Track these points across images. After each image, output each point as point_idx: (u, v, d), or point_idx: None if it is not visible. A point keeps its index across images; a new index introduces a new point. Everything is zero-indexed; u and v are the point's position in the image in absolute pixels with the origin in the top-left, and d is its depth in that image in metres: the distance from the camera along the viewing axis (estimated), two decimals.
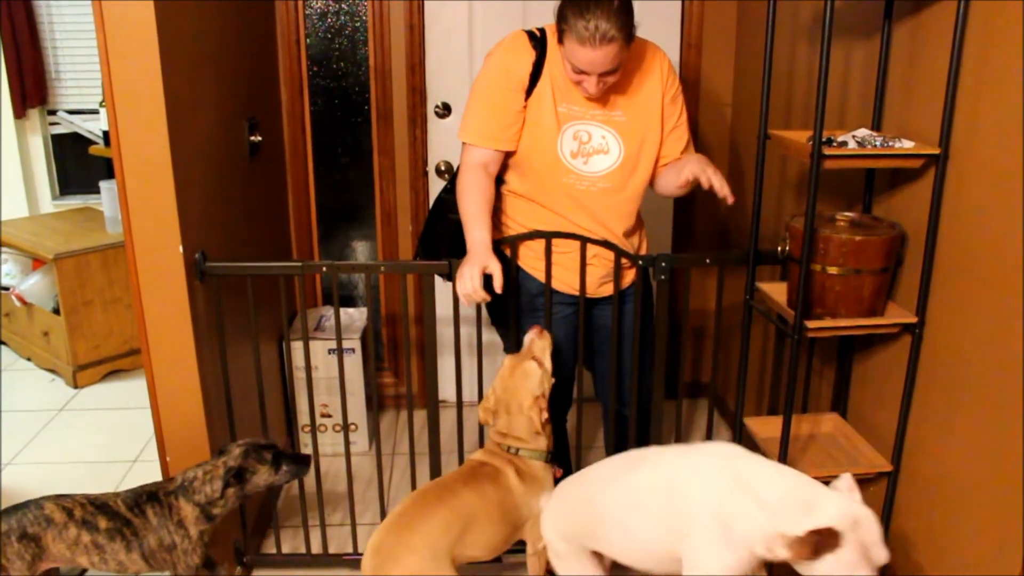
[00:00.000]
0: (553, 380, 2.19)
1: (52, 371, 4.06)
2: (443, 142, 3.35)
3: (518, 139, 2.20)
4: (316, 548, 2.61)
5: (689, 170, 2.13)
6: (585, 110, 2.17)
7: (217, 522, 2.17)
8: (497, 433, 2.20)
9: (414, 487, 2.60)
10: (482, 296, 2.13)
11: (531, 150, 2.20)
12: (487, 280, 2.13)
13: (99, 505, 2.06)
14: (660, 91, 2.21)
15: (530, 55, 2.15)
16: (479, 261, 2.13)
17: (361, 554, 2.58)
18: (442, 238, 2.42)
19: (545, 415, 2.15)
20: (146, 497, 2.10)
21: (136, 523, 2.06)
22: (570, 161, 2.20)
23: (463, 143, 2.23)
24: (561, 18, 1.99)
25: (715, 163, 3.36)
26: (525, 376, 2.15)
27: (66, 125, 4.78)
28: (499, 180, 2.31)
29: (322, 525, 2.57)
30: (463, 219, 2.19)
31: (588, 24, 1.91)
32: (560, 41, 2.03)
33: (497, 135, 2.19)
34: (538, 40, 2.16)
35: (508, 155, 2.24)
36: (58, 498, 2.05)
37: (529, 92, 2.16)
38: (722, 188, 2.10)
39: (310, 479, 2.55)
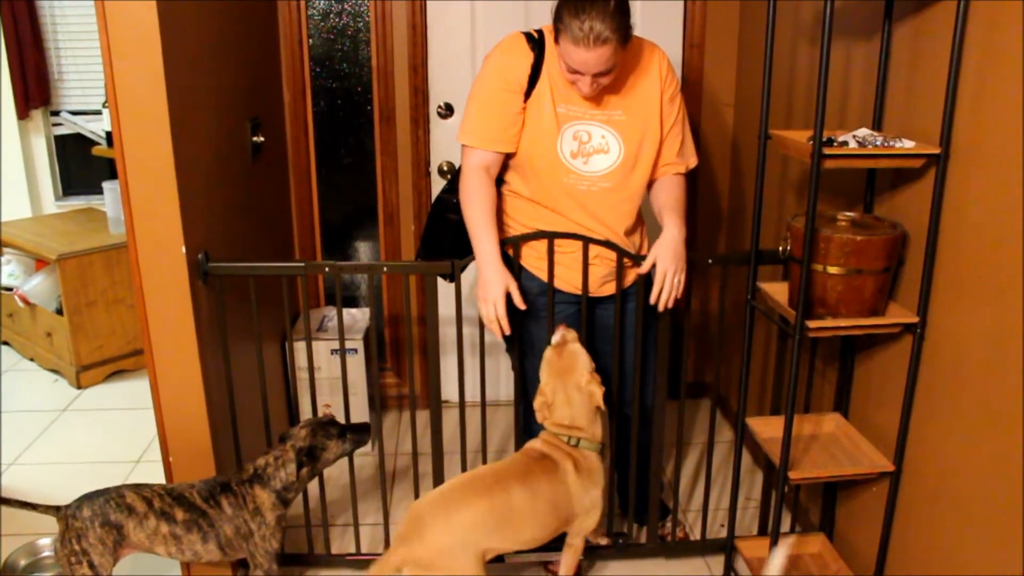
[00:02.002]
0: (593, 365, 2.19)
1: (55, 371, 4.07)
2: (445, 143, 3.35)
3: (518, 140, 2.20)
4: (319, 548, 2.62)
5: (654, 261, 2.18)
6: (584, 110, 2.18)
7: (289, 506, 2.23)
8: (557, 426, 2.17)
9: (416, 488, 2.61)
10: (507, 327, 2.15)
11: (531, 151, 2.20)
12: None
13: (176, 496, 2.11)
14: (659, 90, 2.21)
15: (528, 57, 2.15)
16: (499, 282, 2.14)
17: (363, 554, 2.62)
18: (443, 238, 2.42)
19: (603, 388, 2.14)
20: (220, 488, 2.15)
21: (211, 514, 2.11)
22: (570, 161, 2.20)
23: (463, 146, 2.23)
24: (557, 17, 1.99)
25: (717, 163, 3.40)
26: (574, 356, 2.15)
27: (69, 126, 4.79)
28: (500, 180, 2.31)
29: (324, 525, 2.58)
30: (470, 228, 2.20)
31: (583, 25, 1.91)
32: (556, 40, 2.03)
33: (497, 137, 2.19)
34: (536, 41, 2.16)
35: (508, 156, 2.25)
36: (136, 487, 2.11)
37: (528, 94, 2.16)
38: (666, 300, 2.19)
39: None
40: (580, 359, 2.15)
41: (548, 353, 2.19)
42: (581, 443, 2.16)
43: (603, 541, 2.45)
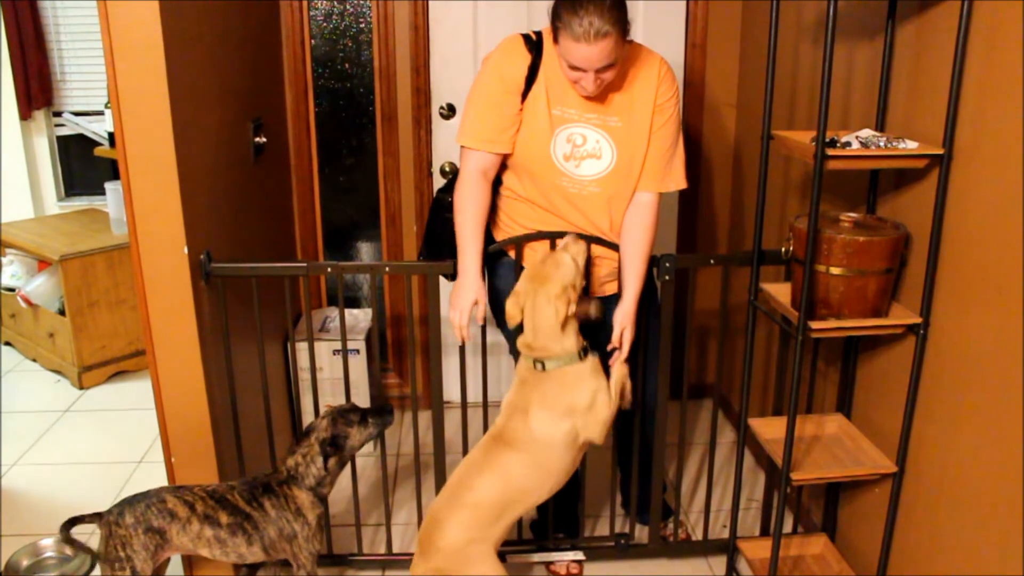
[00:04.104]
0: (584, 283, 2.11)
1: (57, 372, 4.07)
2: (447, 143, 3.35)
3: (515, 141, 2.21)
4: (321, 548, 2.61)
5: (622, 331, 2.24)
6: (580, 113, 2.17)
7: (326, 503, 2.23)
8: (525, 346, 2.10)
9: (418, 488, 2.61)
10: (468, 337, 2.22)
11: (525, 152, 2.20)
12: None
13: (218, 499, 2.10)
14: (652, 97, 2.19)
15: (525, 58, 2.15)
16: (471, 292, 2.19)
17: (366, 554, 2.63)
18: (443, 237, 2.42)
19: (573, 308, 2.04)
20: (261, 489, 2.14)
21: (256, 516, 2.11)
22: (563, 164, 2.20)
23: (461, 147, 2.23)
24: (555, 16, 1.98)
25: (719, 164, 3.40)
26: (557, 265, 2.05)
27: (71, 126, 4.80)
28: (498, 181, 2.31)
29: (327, 526, 2.57)
30: (457, 235, 2.22)
31: (582, 21, 1.91)
32: (555, 40, 2.02)
33: (495, 138, 2.19)
34: (534, 43, 2.16)
35: (506, 157, 2.25)
36: (177, 491, 2.10)
37: (525, 95, 2.16)
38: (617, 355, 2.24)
39: None
40: (560, 270, 2.04)
41: (538, 254, 2.09)
42: (548, 364, 2.06)
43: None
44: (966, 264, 1.84)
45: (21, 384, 4.01)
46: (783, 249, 2.15)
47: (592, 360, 2.11)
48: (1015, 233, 1.65)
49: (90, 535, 2.72)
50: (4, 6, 4.40)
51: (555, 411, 2.07)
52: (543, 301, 2.04)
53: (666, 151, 2.22)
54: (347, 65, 3.36)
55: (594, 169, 2.20)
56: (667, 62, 2.21)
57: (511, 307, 2.12)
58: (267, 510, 2.12)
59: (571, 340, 2.08)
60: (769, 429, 2.33)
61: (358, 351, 3.17)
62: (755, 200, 2.23)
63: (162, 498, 2.06)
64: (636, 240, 2.25)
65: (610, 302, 2.39)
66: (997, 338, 1.73)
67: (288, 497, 2.14)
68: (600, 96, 2.14)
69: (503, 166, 2.28)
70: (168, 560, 2.20)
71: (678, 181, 2.27)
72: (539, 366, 2.08)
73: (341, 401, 3.11)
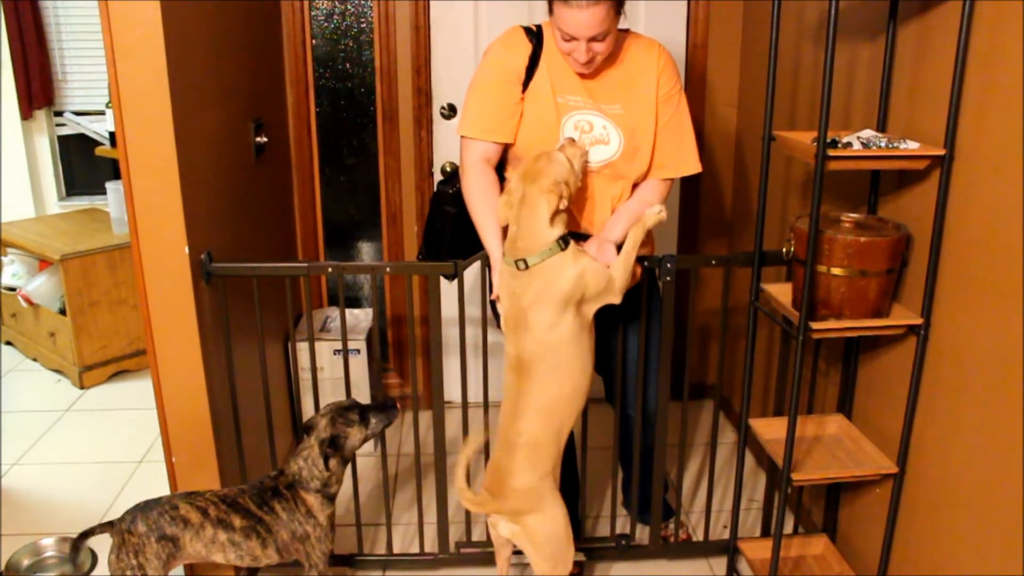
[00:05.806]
0: (580, 185, 2.06)
1: (58, 371, 4.07)
2: (448, 143, 3.35)
3: (516, 132, 2.20)
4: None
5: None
6: (583, 99, 2.17)
7: (335, 501, 2.23)
8: (509, 248, 2.04)
9: (419, 488, 2.61)
10: None
11: (531, 141, 2.19)
12: None
13: (230, 503, 2.09)
14: (655, 87, 2.19)
15: (526, 48, 2.16)
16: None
17: (368, 555, 2.62)
18: (441, 233, 2.41)
19: (565, 203, 1.98)
20: (270, 493, 2.14)
21: (267, 520, 2.11)
22: None
23: (462, 138, 2.23)
24: None
25: (720, 164, 3.40)
26: (550, 161, 1.99)
27: (72, 126, 4.80)
28: (501, 176, 2.31)
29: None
30: (478, 228, 2.20)
31: None
32: (550, 11, 2.03)
33: (495, 127, 2.19)
34: (534, 34, 2.17)
35: (508, 148, 2.24)
36: (189, 496, 2.09)
37: (526, 85, 2.16)
38: None
39: None
40: (553, 165, 1.98)
41: (531, 154, 2.06)
42: (530, 260, 1.99)
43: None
44: (967, 265, 1.83)
45: (22, 384, 4.01)
46: (784, 250, 2.15)
47: (572, 247, 2.02)
48: (1016, 233, 1.65)
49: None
50: (5, 5, 4.40)
51: (551, 308, 2.00)
52: (534, 194, 1.97)
53: (676, 139, 2.24)
54: (348, 65, 3.36)
55: (603, 155, 2.20)
56: (666, 49, 2.22)
57: (502, 207, 2.07)
58: (278, 513, 2.12)
59: (554, 233, 2.00)
60: (770, 430, 2.33)
61: (359, 351, 3.17)
62: (756, 200, 2.22)
63: (175, 505, 2.05)
64: (638, 201, 2.22)
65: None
66: (998, 339, 1.73)
67: (297, 500, 2.14)
68: (600, 83, 2.14)
69: (504, 159, 2.28)
70: None
71: (692, 165, 2.26)
72: (521, 265, 2.01)
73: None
